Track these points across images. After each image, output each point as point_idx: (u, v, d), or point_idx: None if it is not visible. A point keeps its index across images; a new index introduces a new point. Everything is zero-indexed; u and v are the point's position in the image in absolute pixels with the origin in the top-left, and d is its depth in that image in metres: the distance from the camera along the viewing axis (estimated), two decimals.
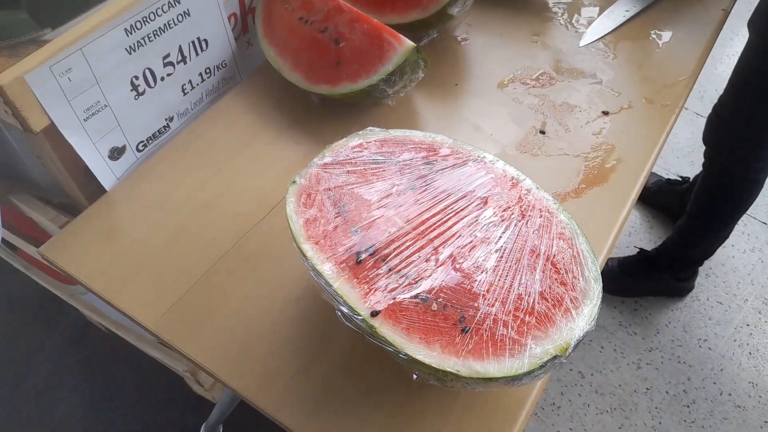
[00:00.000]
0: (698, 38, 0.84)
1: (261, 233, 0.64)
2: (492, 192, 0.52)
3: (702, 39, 0.84)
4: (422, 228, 0.49)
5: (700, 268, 1.38)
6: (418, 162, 0.55)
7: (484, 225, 0.49)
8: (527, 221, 0.49)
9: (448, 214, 0.50)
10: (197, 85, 0.78)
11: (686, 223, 1.26)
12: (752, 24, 0.96)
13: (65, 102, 0.63)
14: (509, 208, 0.50)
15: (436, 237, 0.48)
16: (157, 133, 0.76)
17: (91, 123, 0.66)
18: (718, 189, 1.16)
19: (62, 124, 0.63)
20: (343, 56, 0.71)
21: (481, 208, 0.50)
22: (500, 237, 0.48)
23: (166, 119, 0.76)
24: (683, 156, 1.67)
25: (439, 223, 0.49)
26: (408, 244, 0.48)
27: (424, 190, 0.52)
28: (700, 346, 1.29)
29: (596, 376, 1.25)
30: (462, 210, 0.50)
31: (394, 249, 0.47)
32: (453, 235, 0.48)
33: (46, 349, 1.30)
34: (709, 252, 1.30)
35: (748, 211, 1.25)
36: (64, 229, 0.65)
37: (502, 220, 0.49)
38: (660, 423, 1.19)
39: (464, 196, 0.51)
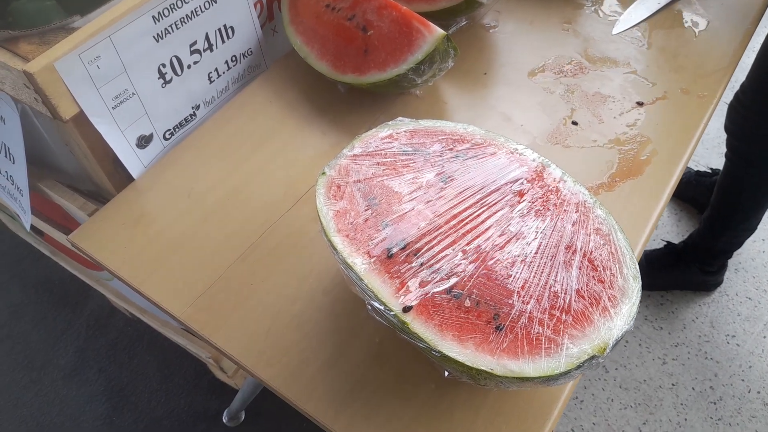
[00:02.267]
0: (736, 27, 0.81)
1: (288, 223, 0.64)
2: (525, 185, 0.50)
3: (741, 28, 0.81)
4: (454, 222, 0.48)
5: (730, 263, 1.34)
6: (449, 154, 0.53)
7: (518, 219, 0.48)
8: (563, 216, 0.48)
9: (481, 207, 0.49)
10: (223, 73, 0.78)
11: (711, 214, 1.23)
12: None
13: (94, 90, 0.63)
14: (544, 202, 0.49)
15: (468, 231, 0.47)
16: (184, 122, 0.75)
17: (120, 111, 0.66)
18: (740, 178, 1.13)
19: (91, 112, 0.63)
20: (371, 44, 0.70)
21: (515, 201, 0.49)
22: (535, 232, 0.47)
23: (192, 107, 0.76)
24: (713, 147, 1.62)
25: (471, 216, 0.48)
26: (440, 238, 0.47)
27: (456, 183, 0.51)
28: (728, 342, 1.27)
29: (620, 370, 1.24)
30: (495, 203, 0.49)
31: (426, 243, 0.46)
32: (486, 230, 0.47)
33: (72, 332, 1.32)
34: (736, 244, 1.27)
35: None
36: (93, 216, 0.65)
37: (537, 215, 0.48)
38: (685, 419, 1.17)
39: (497, 189, 0.50)
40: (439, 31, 0.66)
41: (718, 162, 1.57)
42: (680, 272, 1.32)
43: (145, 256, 0.62)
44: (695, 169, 1.51)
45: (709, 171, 1.48)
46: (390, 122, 0.57)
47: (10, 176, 0.78)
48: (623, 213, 0.62)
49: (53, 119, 0.61)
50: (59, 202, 0.76)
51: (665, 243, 1.36)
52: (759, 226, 1.22)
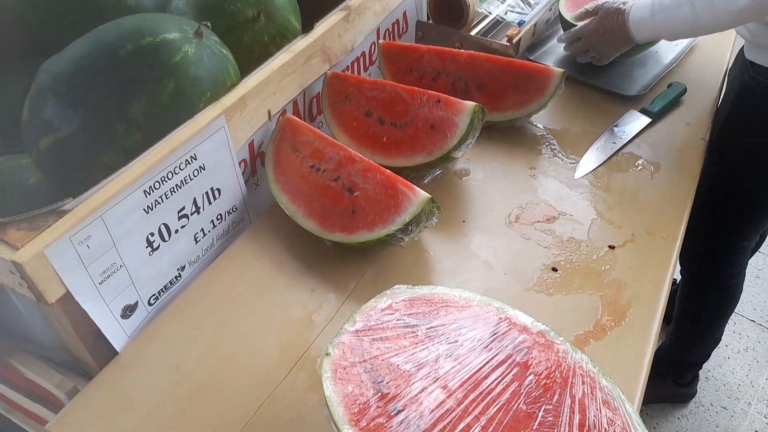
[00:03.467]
0: (685, 167, 0.89)
1: (285, 394, 0.62)
2: (529, 356, 0.52)
3: (690, 169, 0.89)
4: (467, 402, 0.48)
5: (700, 372, 1.38)
6: (451, 325, 0.55)
7: (529, 396, 0.48)
8: (570, 389, 0.49)
9: (490, 384, 0.49)
10: (209, 232, 0.78)
11: (675, 328, 1.28)
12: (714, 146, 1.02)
13: (82, 269, 0.62)
14: (550, 374, 0.50)
15: (481, 413, 0.47)
16: (169, 284, 0.74)
17: (106, 285, 0.65)
18: (697, 295, 1.19)
19: (77, 291, 0.62)
20: (358, 205, 0.73)
21: (521, 375, 0.50)
22: (547, 410, 0.47)
23: (178, 269, 0.75)
24: None
25: (481, 395, 0.48)
26: (454, 420, 0.47)
27: (462, 359, 0.51)
28: None
29: None
30: (502, 378, 0.50)
31: (442, 431, 0.46)
32: (499, 410, 0.47)
33: None
34: (704, 356, 1.31)
35: (736, 310, 1.28)
36: (73, 401, 0.62)
37: (546, 390, 0.49)
38: None
39: (503, 362, 0.51)
40: (424, 194, 0.70)
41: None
42: (655, 386, 1.33)
43: None
44: None
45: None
46: (387, 291, 0.59)
47: None
48: (614, 363, 0.64)
49: (37, 301, 0.59)
50: (34, 379, 0.71)
51: None
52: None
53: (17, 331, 0.75)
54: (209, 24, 0.74)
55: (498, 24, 1.11)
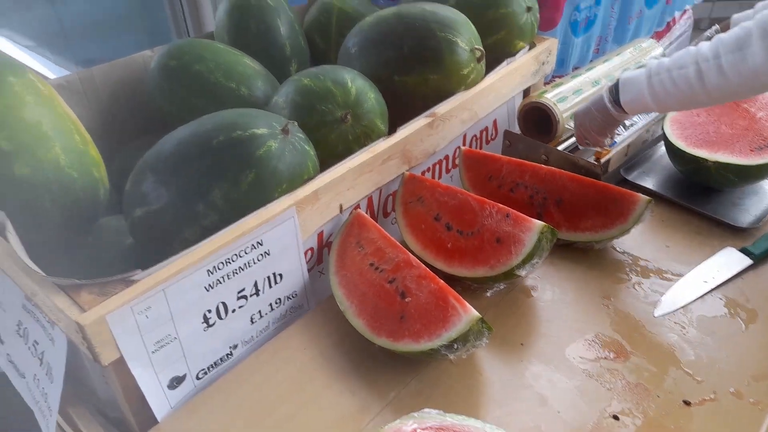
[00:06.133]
0: None
1: None
2: None
3: None
4: None
5: None
6: None
7: None
8: None
9: None
10: (266, 314, 0.81)
11: None
12: None
13: (138, 337, 0.66)
14: None
15: None
16: (219, 361, 0.77)
17: (158, 354, 0.68)
18: None
19: (130, 357, 0.66)
20: (407, 311, 0.72)
21: None
22: None
23: (230, 347, 0.78)
24: None
25: None
26: None
27: None
28: None
29: None
30: None
31: None
32: None
33: None
34: None
35: None
36: None
37: None
38: None
39: None
40: (474, 313, 0.67)
41: None
42: None
43: None
44: None
45: None
46: (416, 413, 0.56)
47: (45, 393, 0.80)
48: None
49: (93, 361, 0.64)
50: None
51: None
52: None
53: (82, 380, 0.81)
54: (296, 122, 0.80)
55: None
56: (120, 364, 0.66)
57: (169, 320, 0.68)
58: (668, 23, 1.74)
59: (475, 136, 1.07)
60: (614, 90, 0.85)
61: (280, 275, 0.80)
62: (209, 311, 0.73)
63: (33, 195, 0.81)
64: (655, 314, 0.80)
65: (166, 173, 0.76)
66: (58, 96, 0.87)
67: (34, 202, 0.81)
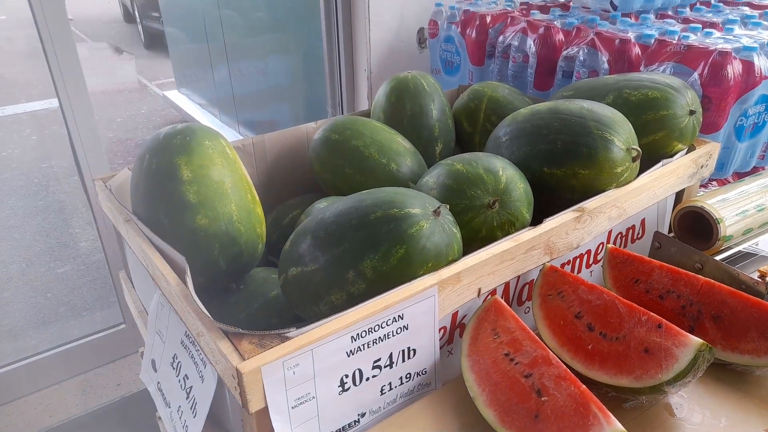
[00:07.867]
0: None
1: None
2: None
3: None
4: None
5: None
6: None
7: None
8: None
9: None
10: (395, 387, 0.82)
11: None
12: None
13: (283, 391, 0.70)
14: None
15: None
16: (347, 427, 0.79)
17: (297, 411, 0.72)
18: None
19: (274, 409, 0.70)
20: (542, 412, 0.70)
21: None
22: None
23: (358, 414, 0.80)
24: None
25: None
26: None
27: None
28: None
29: None
30: None
31: None
32: None
33: None
34: None
35: None
36: None
37: None
38: None
39: None
40: (619, 427, 0.63)
41: None
42: None
43: None
44: None
45: None
46: None
47: (186, 426, 0.87)
48: None
49: (241, 408, 0.69)
50: None
51: None
52: None
53: (219, 421, 0.87)
54: (448, 205, 0.84)
55: (752, 255, 1.00)
56: (262, 414, 0.70)
57: (311, 379, 0.72)
58: None
59: (621, 233, 1.04)
60: None
61: (414, 350, 0.82)
62: (346, 376, 0.76)
63: (206, 243, 0.92)
64: None
65: (325, 239, 0.82)
66: (239, 159, 0.99)
67: (205, 249, 0.92)
